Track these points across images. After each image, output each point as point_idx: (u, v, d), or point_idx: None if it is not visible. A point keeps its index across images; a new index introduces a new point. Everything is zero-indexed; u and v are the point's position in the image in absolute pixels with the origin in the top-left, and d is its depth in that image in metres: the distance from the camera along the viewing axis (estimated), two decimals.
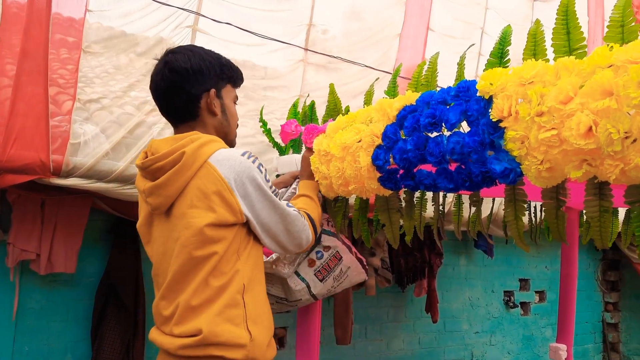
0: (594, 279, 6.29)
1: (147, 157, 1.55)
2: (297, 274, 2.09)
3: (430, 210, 2.00)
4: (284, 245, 1.63)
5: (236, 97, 1.71)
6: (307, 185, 1.99)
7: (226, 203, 1.45)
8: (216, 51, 1.63)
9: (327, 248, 2.12)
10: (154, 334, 1.57)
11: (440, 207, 2.00)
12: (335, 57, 3.45)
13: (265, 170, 1.55)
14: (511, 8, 4.43)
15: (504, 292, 5.55)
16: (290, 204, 1.67)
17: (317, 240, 1.99)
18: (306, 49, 3.33)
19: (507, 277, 5.58)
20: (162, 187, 1.47)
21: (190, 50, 1.58)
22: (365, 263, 2.26)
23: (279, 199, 1.59)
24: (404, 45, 3.85)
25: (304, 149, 2.57)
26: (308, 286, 2.10)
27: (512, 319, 5.59)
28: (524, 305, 5.70)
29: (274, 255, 2.03)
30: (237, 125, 1.73)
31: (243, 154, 1.49)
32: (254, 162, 1.50)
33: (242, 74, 1.71)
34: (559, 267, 3.40)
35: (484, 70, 1.58)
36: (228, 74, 1.64)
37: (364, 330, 4.56)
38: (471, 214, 2.40)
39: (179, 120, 1.60)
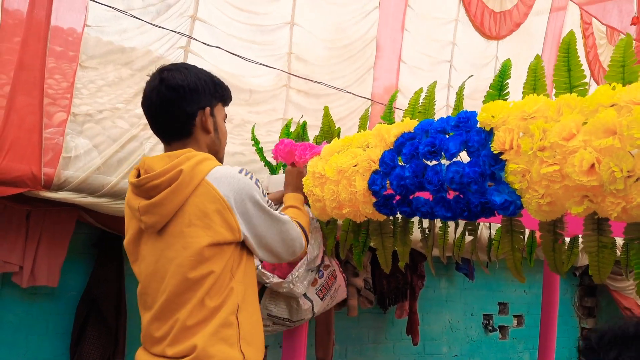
0: (571, 305, 6.37)
1: (139, 174, 1.53)
2: (304, 294, 2.10)
3: (416, 234, 2.02)
4: (279, 255, 1.64)
5: (226, 116, 1.72)
6: (293, 197, 2.00)
7: (225, 222, 1.44)
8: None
9: (327, 267, 2.15)
10: (142, 356, 1.53)
11: (427, 231, 2.01)
12: (318, 83, 3.54)
13: (261, 184, 1.56)
14: (475, 45, 4.63)
15: (483, 315, 5.59)
16: (283, 213, 1.69)
17: (321, 261, 2.01)
18: (290, 73, 3.42)
19: (487, 301, 5.62)
20: (158, 205, 1.45)
21: (186, 68, 1.58)
22: (345, 280, 2.29)
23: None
24: (378, 75, 4.03)
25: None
26: (312, 305, 2.12)
27: (491, 343, 5.62)
28: (502, 329, 5.73)
29: (291, 276, 2.04)
30: (226, 143, 1.73)
31: (240, 172, 1.50)
32: (251, 178, 1.51)
33: (231, 92, 1.72)
34: (538, 291, 3.45)
35: (483, 102, 1.61)
36: (220, 93, 1.64)
37: (345, 351, 4.54)
38: (457, 238, 2.43)
39: (172, 138, 1.58)
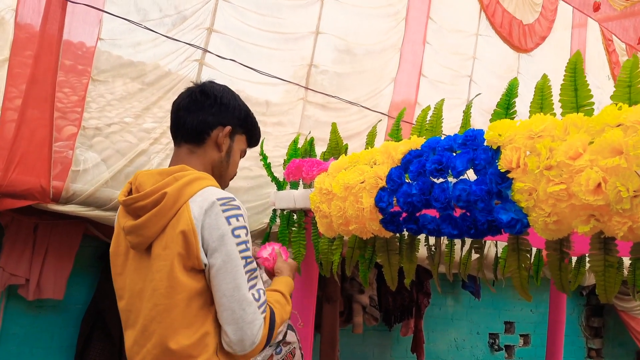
0: (577, 325, 6.31)
1: (130, 190, 1.50)
2: None
3: (422, 251, 2.01)
4: (224, 324, 1.36)
5: (244, 152, 1.67)
6: (285, 283, 1.66)
7: (187, 245, 1.34)
8: (220, 84, 1.63)
9: (287, 344, 1.99)
10: None
11: (434, 249, 2.01)
12: (334, 97, 3.52)
13: (243, 225, 1.38)
14: (497, 59, 4.64)
15: (489, 334, 5.54)
16: (259, 292, 1.41)
17: (283, 337, 1.87)
18: (307, 88, 3.40)
19: (493, 319, 5.58)
20: (142, 227, 1.40)
21: (229, 89, 1.60)
22: (302, 356, 2.15)
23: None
24: (398, 89, 4.00)
25: (301, 185, 2.59)
26: None
27: None
28: (508, 348, 5.68)
29: None
30: (235, 174, 1.66)
31: (220, 199, 1.37)
32: (225, 210, 1.36)
33: (260, 135, 1.68)
34: (544, 310, 3.43)
35: (490, 121, 1.62)
36: (248, 126, 1.62)
37: None
38: (463, 256, 2.42)
39: (184, 139, 1.54)
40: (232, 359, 1.40)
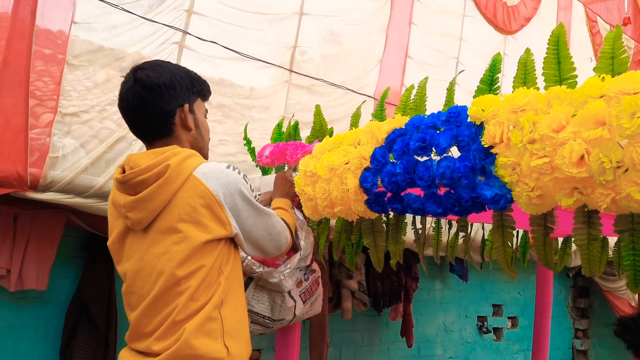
0: (564, 306, 6.37)
1: (124, 171, 1.51)
2: (288, 292, 2.08)
3: (410, 234, 2.00)
4: (265, 249, 1.65)
5: (206, 111, 1.69)
6: (281, 201, 2.02)
7: (216, 217, 1.45)
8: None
9: (312, 272, 2.12)
10: (125, 356, 1.51)
11: (420, 231, 2.00)
12: (319, 80, 3.48)
13: (249, 180, 1.57)
14: (483, 41, 4.62)
15: (478, 317, 5.57)
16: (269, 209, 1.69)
17: (310, 264, 1.98)
18: (291, 70, 3.36)
19: (481, 303, 5.61)
20: (145, 200, 1.43)
21: (160, 66, 1.55)
22: (330, 292, 2.29)
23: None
24: (384, 71, 3.95)
25: (286, 169, 2.57)
26: (295, 305, 2.09)
27: (485, 345, 5.60)
28: (496, 330, 5.72)
29: (283, 267, 2.03)
30: (209, 138, 1.70)
31: (228, 167, 1.50)
32: (239, 173, 1.52)
33: (209, 87, 1.68)
34: (532, 292, 3.44)
35: (474, 97, 1.60)
36: (198, 88, 1.61)
37: (339, 354, 4.51)
38: (450, 238, 2.41)
39: (153, 138, 1.55)
40: (232, 311, 1.50)
